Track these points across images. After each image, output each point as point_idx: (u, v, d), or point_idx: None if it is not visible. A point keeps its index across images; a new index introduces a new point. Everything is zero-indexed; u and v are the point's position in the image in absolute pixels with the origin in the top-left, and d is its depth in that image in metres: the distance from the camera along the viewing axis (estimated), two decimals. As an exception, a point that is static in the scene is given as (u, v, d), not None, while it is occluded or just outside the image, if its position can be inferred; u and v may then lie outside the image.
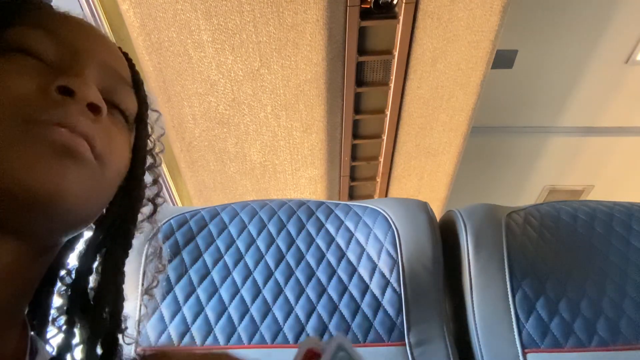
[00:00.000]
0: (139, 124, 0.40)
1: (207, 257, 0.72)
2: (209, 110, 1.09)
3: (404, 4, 0.91)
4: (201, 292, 0.69)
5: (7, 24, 0.33)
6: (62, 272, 0.40)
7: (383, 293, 0.69)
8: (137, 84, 0.41)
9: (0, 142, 0.28)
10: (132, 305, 0.40)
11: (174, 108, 1.08)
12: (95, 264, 0.38)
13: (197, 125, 1.12)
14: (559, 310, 0.68)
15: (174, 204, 1.40)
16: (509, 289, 0.69)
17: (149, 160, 0.42)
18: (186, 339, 0.66)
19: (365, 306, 0.68)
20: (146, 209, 0.43)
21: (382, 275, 0.71)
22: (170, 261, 0.72)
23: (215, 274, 0.71)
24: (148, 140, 0.42)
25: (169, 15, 0.89)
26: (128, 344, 0.39)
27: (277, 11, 0.90)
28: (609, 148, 1.91)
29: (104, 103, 0.33)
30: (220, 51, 0.96)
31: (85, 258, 0.38)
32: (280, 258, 0.72)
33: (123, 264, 0.38)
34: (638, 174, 2.04)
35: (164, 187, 0.47)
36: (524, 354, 0.65)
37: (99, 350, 0.35)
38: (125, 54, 0.41)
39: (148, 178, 0.42)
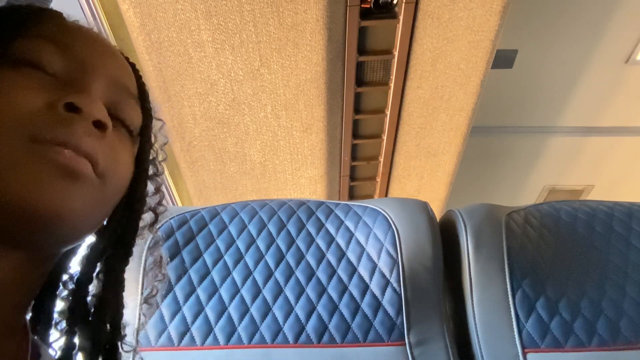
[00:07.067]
0: (143, 136, 0.40)
1: (207, 257, 0.72)
2: (209, 110, 1.09)
3: (404, 4, 0.91)
4: (201, 292, 0.69)
5: (16, 35, 0.33)
6: (65, 277, 0.40)
7: (383, 293, 0.69)
8: (142, 95, 0.41)
9: (4, 161, 0.28)
10: (130, 313, 0.39)
11: (174, 108, 1.08)
12: (96, 271, 0.38)
13: (197, 125, 1.12)
14: (559, 310, 0.68)
15: (174, 204, 1.40)
16: (509, 289, 0.69)
17: (152, 170, 0.42)
18: (186, 339, 0.66)
19: (365, 306, 0.68)
20: (147, 216, 0.43)
21: (382, 275, 0.71)
22: (170, 261, 0.72)
23: (215, 274, 0.71)
24: (151, 150, 0.42)
25: (169, 15, 0.89)
26: (127, 352, 0.38)
27: (277, 11, 0.90)
28: (609, 148, 1.91)
29: (110, 120, 0.33)
30: (220, 51, 0.96)
31: (86, 267, 0.38)
32: (280, 258, 0.72)
33: (123, 272, 0.38)
34: (638, 174, 2.04)
35: (164, 188, 0.46)
36: (524, 354, 0.65)
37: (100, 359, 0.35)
38: (133, 65, 0.41)
39: (150, 187, 0.42)
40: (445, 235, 0.77)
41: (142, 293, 0.67)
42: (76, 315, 0.37)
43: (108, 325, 0.36)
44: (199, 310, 0.68)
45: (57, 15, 0.36)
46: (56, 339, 0.39)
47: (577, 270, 0.71)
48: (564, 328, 0.66)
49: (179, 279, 0.70)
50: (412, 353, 0.65)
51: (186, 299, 0.69)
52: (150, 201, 0.42)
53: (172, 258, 0.72)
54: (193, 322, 0.67)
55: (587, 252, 0.73)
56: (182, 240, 0.74)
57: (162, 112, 1.08)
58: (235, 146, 1.19)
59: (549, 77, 1.60)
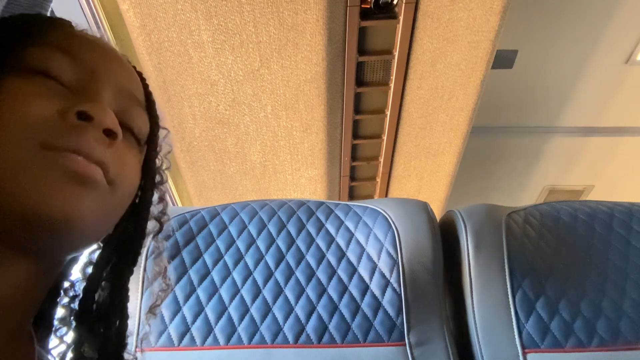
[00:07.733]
0: (150, 144, 0.41)
1: (207, 257, 0.72)
2: (209, 110, 1.09)
3: (404, 4, 0.91)
4: (201, 292, 0.69)
5: (26, 44, 0.33)
6: (66, 284, 0.40)
7: (383, 293, 0.69)
8: (149, 104, 0.41)
9: (16, 166, 0.28)
10: (130, 321, 0.39)
11: (174, 108, 1.08)
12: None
13: (197, 125, 1.12)
14: (559, 310, 0.68)
15: (174, 204, 1.40)
16: (509, 289, 0.69)
17: (156, 178, 0.42)
18: (186, 339, 0.66)
19: (365, 306, 0.68)
20: (150, 224, 0.43)
21: (382, 275, 0.71)
22: (170, 262, 0.72)
23: (215, 274, 0.71)
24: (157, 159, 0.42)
25: (169, 15, 0.89)
26: None
27: (277, 11, 0.90)
28: (609, 148, 1.91)
29: (120, 128, 0.33)
30: (220, 51, 0.96)
31: (93, 275, 0.38)
32: (280, 258, 0.72)
33: (128, 281, 0.38)
34: (638, 174, 2.04)
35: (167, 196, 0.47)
36: (524, 354, 0.65)
37: None
38: (140, 73, 0.41)
39: (154, 196, 0.42)
40: (445, 235, 0.77)
41: (141, 300, 0.67)
42: (83, 323, 0.36)
43: (114, 335, 0.36)
44: (199, 310, 0.68)
45: (66, 23, 0.37)
46: (55, 346, 0.39)
47: (577, 271, 0.71)
48: (564, 328, 0.66)
49: (179, 279, 0.70)
50: (412, 353, 0.65)
51: (186, 299, 0.69)
52: (154, 210, 0.43)
53: (172, 258, 0.72)
54: (193, 322, 0.67)
55: (587, 252, 0.73)
56: (182, 241, 0.74)
57: (162, 112, 1.08)
58: (235, 146, 1.19)
59: (549, 77, 1.60)
